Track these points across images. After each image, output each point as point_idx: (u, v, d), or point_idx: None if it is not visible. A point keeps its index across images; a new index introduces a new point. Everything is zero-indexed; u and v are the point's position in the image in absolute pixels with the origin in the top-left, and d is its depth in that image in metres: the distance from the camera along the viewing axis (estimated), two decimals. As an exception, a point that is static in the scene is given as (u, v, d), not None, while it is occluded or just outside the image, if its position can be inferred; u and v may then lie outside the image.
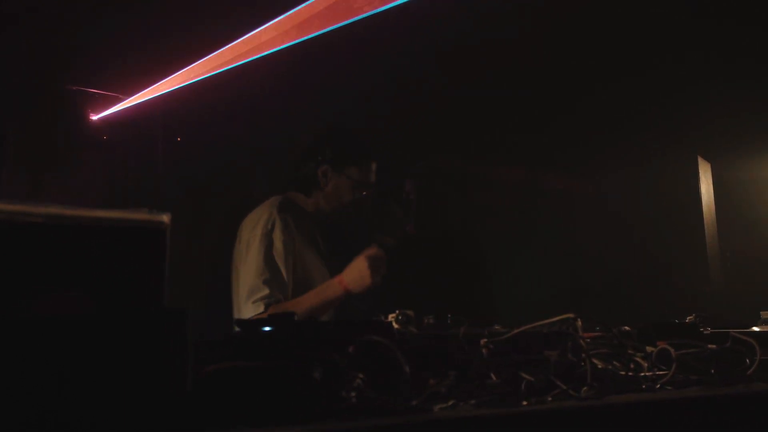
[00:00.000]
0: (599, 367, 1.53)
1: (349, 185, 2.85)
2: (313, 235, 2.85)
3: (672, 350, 1.57)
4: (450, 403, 1.21)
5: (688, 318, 2.10)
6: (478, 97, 4.03)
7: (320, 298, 2.56)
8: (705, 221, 3.94)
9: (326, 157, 2.86)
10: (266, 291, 2.55)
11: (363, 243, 2.72)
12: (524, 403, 1.26)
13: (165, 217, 1.11)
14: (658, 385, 1.50)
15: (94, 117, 4.17)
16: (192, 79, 4.03)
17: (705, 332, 1.89)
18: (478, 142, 4.09)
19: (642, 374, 1.53)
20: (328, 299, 2.57)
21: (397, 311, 1.56)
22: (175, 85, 4.08)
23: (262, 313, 2.50)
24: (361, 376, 1.17)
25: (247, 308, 2.55)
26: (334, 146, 2.88)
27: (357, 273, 2.57)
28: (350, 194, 2.86)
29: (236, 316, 2.61)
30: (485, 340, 1.46)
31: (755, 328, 1.98)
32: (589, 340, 1.61)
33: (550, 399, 1.30)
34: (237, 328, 1.40)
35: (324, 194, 2.88)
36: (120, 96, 4.18)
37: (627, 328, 1.85)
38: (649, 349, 1.63)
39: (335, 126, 3.07)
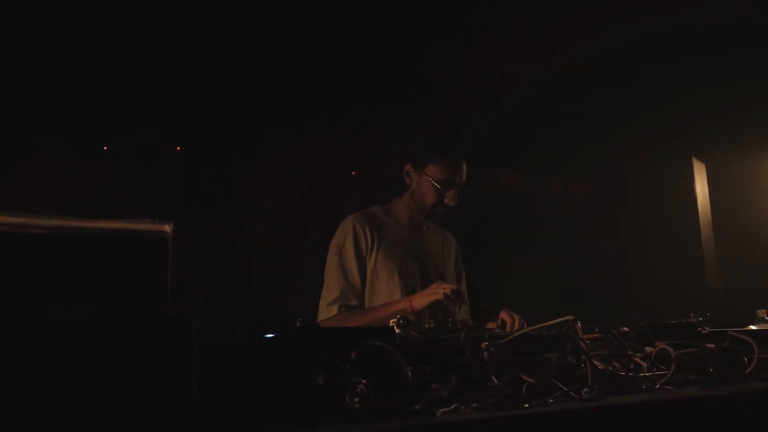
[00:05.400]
0: (599, 368, 1.54)
1: (430, 185, 2.80)
2: (397, 239, 2.85)
3: (671, 350, 1.59)
4: (452, 406, 1.22)
5: (687, 318, 2.11)
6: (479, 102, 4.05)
7: (388, 312, 2.58)
8: (701, 221, 3.96)
9: (408, 154, 2.86)
10: (337, 293, 2.69)
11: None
12: (526, 405, 1.27)
13: (167, 227, 1.13)
14: (658, 385, 1.51)
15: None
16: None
17: (703, 332, 1.90)
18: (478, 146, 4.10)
19: (642, 375, 1.54)
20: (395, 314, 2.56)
21: (398, 316, 1.57)
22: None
23: (336, 315, 2.66)
24: (364, 381, 1.18)
25: (322, 311, 2.71)
26: (415, 143, 2.87)
27: (425, 300, 2.55)
28: (433, 195, 2.80)
29: (318, 320, 2.72)
30: (486, 343, 1.47)
31: (753, 327, 1.99)
32: (588, 341, 1.62)
33: (551, 401, 1.31)
34: (239, 337, 1.40)
35: (411, 193, 2.88)
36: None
37: (626, 329, 1.87)
38: (648, 349, 1.63)
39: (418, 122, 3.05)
